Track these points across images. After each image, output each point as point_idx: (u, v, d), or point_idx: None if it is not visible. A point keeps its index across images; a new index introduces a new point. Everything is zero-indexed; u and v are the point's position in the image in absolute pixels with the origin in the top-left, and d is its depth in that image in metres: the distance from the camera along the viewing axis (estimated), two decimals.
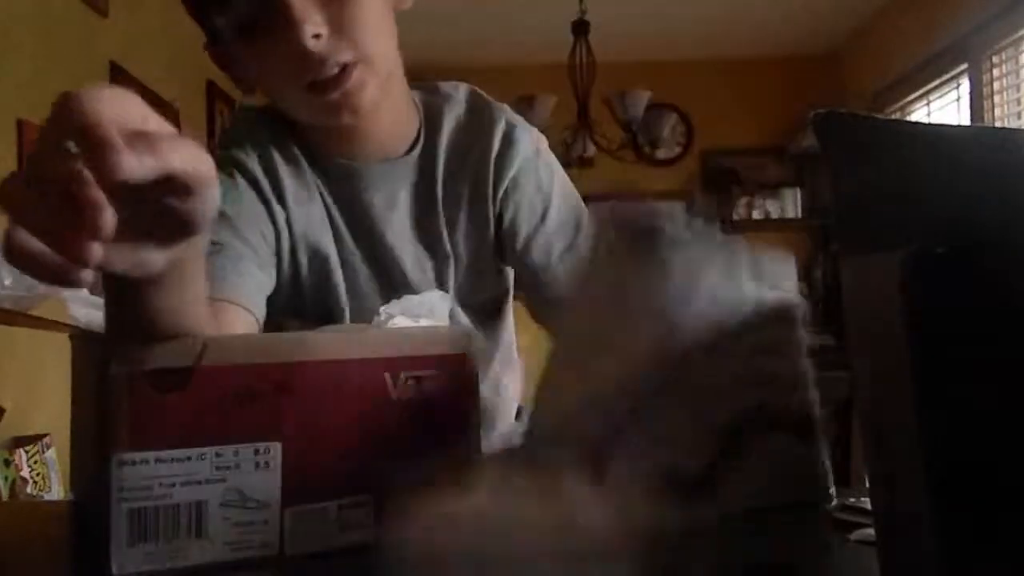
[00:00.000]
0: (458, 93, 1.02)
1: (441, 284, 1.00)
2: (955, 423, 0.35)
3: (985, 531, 0.35)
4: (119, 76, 2.93)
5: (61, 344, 2.45)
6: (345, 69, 0.83)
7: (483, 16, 4.15)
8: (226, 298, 0.84)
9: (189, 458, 0.50)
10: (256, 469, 0.52)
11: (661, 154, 4.85)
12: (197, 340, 0.52)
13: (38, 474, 2.16)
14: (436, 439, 0.58)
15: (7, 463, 2.07)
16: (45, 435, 2.24)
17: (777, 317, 0.53)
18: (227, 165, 0.93)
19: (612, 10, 3.87)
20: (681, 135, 5.00)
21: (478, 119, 1.00)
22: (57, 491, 2.23)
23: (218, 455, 0.51)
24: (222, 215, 0.88)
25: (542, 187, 1.01)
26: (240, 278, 0.87)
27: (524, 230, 1.00)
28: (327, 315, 0.96)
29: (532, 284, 1.03)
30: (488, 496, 0.49)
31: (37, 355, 2.45)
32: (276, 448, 0.53)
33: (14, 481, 2.07)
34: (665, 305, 0.48)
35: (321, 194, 0.96)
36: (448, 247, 1.00)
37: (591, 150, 3.64)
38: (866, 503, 0.56)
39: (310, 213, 0.96)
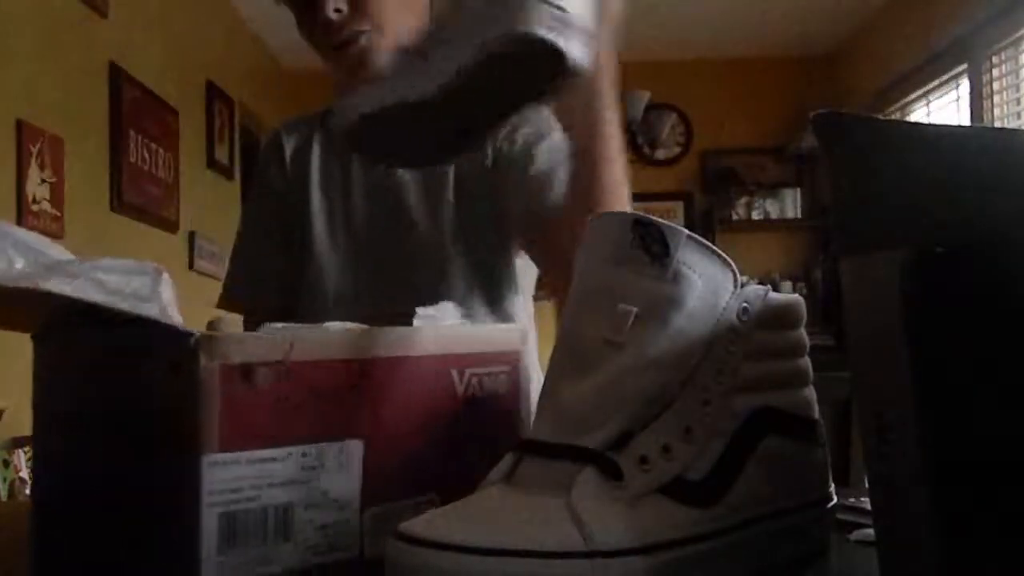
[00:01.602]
0: None
1: (435, 210, 1.11)
2: (955, 424, 0.35)
3: (985, 531, 0.35)
4: (119, 76, 2.93)
5: None
6: (360, 36, 1.04)
7: None
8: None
9: (275, 459, 0.48)
10: (339, 469, 0.51)
11: (661, 154, 4.86)
12: (285, 334, 0.50)
13: None
14: (489, 436, 0.58)
15: (6, 464, 2.06)
16: None
17: (777, 318, 0.53)
18: (268, 146, 1.24)
19: None
20: (681, 135, 5.00)
21: None
22: None
23: (304, 455, 0.49)
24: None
25: (541, 130, 1.08)
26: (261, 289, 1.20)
27: (519, 148, 1.07)
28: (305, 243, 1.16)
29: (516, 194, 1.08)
30: (496, 493, 0.49)
31: None
32: (358, 447, 0.51)
33: (13, 482, 2.07)
34: None
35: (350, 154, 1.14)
36: (450, 188, 1.11)
37: None
38: (866, 503, 0.56)
39: (331, 172, 1.17)
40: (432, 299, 0.97)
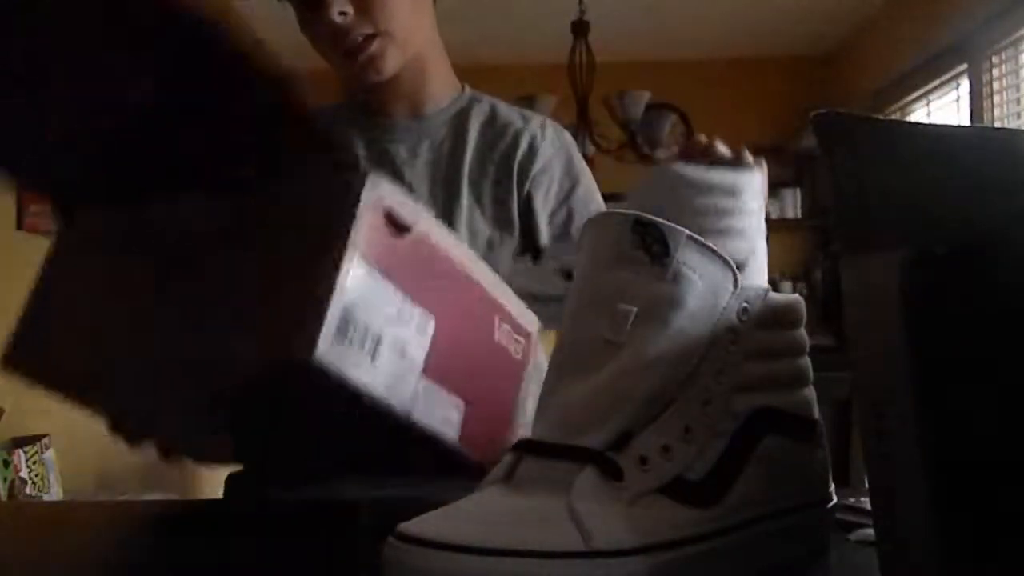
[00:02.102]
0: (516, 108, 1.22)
1: (445, 221, 1.07)
2: (955, 424, 0.35)
3: (985, 532, 0.35)
4: None
5: None
6: (367, 40, 1.04)
7: (483, 16, 4.15)
8: None
9: (388, 293, 0.54)
10: (419, 332, 0.56)
11: (661, 154, 4.85)
12: (430, 218, 0.59)
13: (37, 475, 2.16)
14: (500, 389, 0.64)
15: (6, 464, 2.07)
16: (44, 436, 2.23)
17: (777, 318, 0.53)
18: None
19: (612, 10, 3.87)
20: (681, 135, 5.00)
21: (520, 112, 1.18)
22: (56, 491, 2.23)
23: (405, 304, 0.55)
24: None
25: (571, 172, 1.16)
26: None
27: (553, 201, 1.15)
28: None
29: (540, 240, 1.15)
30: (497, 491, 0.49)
31: None
32: (432, 323, 0.57)
33: (13, 482, 2.07)
34: None
35: (356, 145, 1.14)
36: (464, 195, 1.12)
37: (591, 150, 3.63)
38: (866, 503, 0.56)
39: None
40: None
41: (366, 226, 0.53)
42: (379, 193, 0.54)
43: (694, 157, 0.84)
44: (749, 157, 0.82)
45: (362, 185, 0.53)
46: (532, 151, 1.14)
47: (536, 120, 1.18)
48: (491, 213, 1.13)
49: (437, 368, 0.57)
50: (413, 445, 0.60)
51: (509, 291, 0.65)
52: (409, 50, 1.10)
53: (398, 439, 0.59)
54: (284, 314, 0.51)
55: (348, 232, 0.51)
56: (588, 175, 1.19)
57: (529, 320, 0.66)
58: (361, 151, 1.15)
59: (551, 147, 1.16)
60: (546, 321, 1.00)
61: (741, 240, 0.62)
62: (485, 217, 1.13)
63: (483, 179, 1.13)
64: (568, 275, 0.85)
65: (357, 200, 0.52)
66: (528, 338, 0.66)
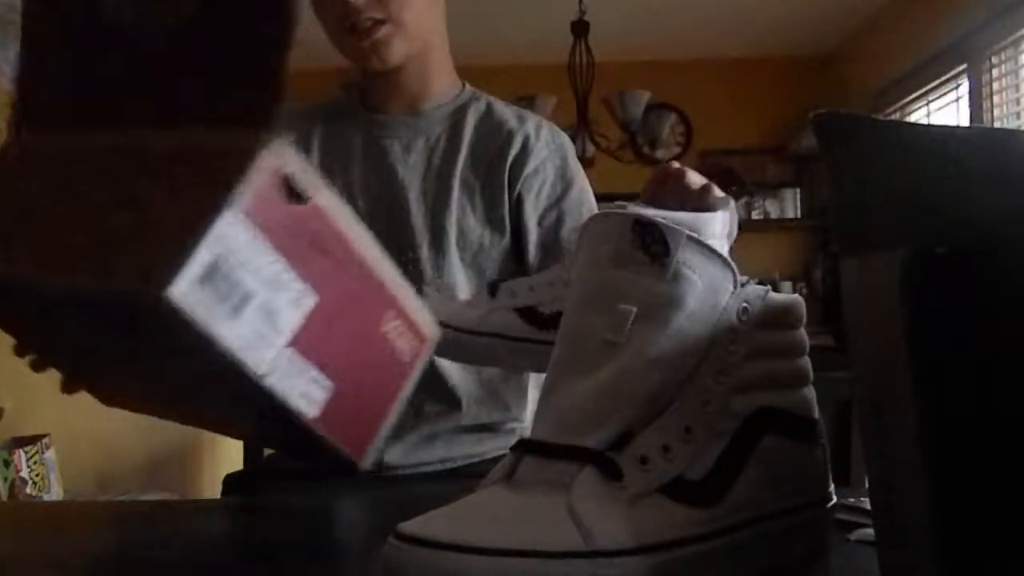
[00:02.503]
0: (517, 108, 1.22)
1: (435, 218, 1.12)
2: (955, 423, 0.35)
3: (985, 532, 0.35)
4: None
5: None
6: (375, 24, 1.05)
7: (483, 16, 4.15)
8: None
9: (266, 254, 0.53)
10: (291, 303, 0.55)
11: (660, 154, 4.85)
12: (329, 193, 0.58)
13: (37, 475, 2.16)
14: (374, 391, 0.64)
15: (6, 464, 2.07)
16: (44, 435, 2.23)
17: (777, 318, 0.53)
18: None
19: (612, 10, 3.87)
20: (680, 135, 4.99)
21: (516, 112, 1.19)
22: (56, 491, 2.23)
23: (282, 272, 0.54)
24: None
25: (565, 175, 1.16)
26: None
27: (544, 202, 1.14)
28: None
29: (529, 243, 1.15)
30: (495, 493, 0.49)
31: None
32: (313, 300, 0.56)
33: (13, 482, 2.07)
34: None
35: (352, 142, 1.16)
36: (455, 193, 1.12)
37: (590, 150, 3.63)
38: (866, 503, 0.56)
39: (334, 152, 1.16)
40: None
41: (258, 186, 0.52)
42: (281, 159, 0.54)
43: (664, 188, 0.85)
44: (717, 193, 0.83)
45: (263, 146, 0.53)
46: (525, 151, 1.13)
47: (532, 120, 1.18)
48: (482, 212, 1.12)
49: (309, 344, 0.56)
50: (267, 414, 0.59)
51: (411, 291, 0.64)
52: (416, 43, 1.10)
53: (251, 403, 0.58)
54: (156, 248, 0.51)
55: (235, 186, 0.51)
56: (583, 178, 1.19)
57: (428, 325, 0.66)
58: (358, 144, 1.16)
59: (545, 148, 1.15)
60: (512, 365, 1.01)
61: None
62: (476, 216, 1.12)
63: (475, 178, 1.13)
64: (524, 312, 0.85)
65: (253, 158, 0.52)
66: (423, 342, 0.65)
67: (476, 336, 0.87)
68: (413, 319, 0.64)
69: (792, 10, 4.24)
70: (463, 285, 1.11)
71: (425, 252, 1.10)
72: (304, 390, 0.57)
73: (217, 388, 0.62)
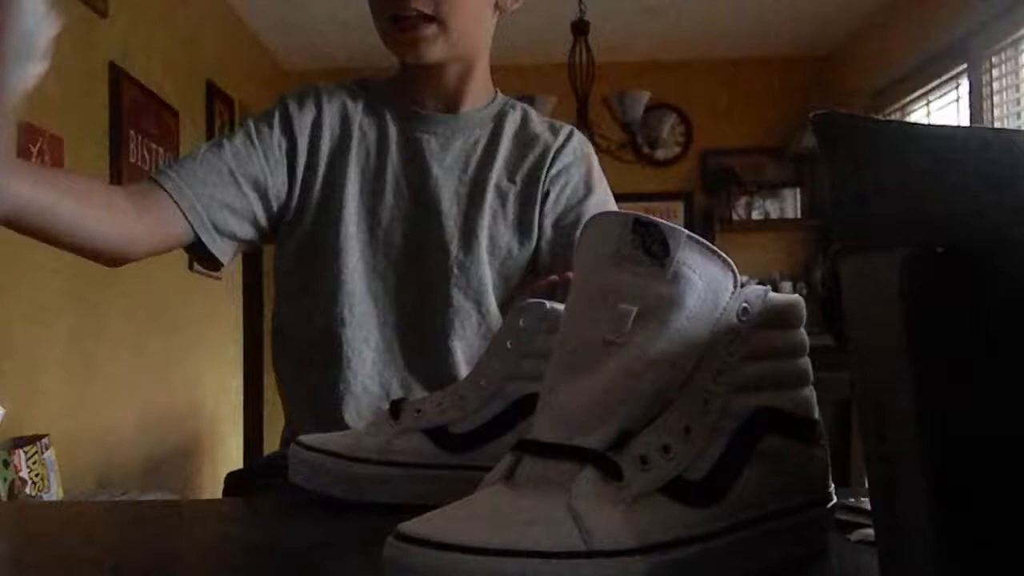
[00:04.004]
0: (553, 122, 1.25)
1: (467, 221, 1.13)
2: (955, 423, 0.35)
3: (985, 532, 0.35)
4: (119, 76, 2.93)
5: (60, 345, 2.45)
6: (422, 19, 1.04)
7: None
8: (169, 191, 1.02)
9: None
10: None
11: (660, 154, 4.85)
12: None
13: (37, 475, 2.16)
14: None
15: (6, 464, 2.07)
16: (44, 435, 2.23)
17: (777, 318, 0.53)
18: (308, 93, 1.16)
19: (612, 10, 3.87)
20: (680, 135, 5.00)
21: (550, 124, 1.22)
22: (56, 491, 2.23)
23: None
24: (246, 128, 1.11)
25: (588, 181, 1.19)
26: (195, 187, 1.04)
27: (564, 204, 1.16)
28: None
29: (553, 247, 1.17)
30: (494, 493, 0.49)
31: (37, 355, 2.45)
32: None
33: (13, 482, 2.07)
34: None
35: (387, 126, 1.15)
36: (488, 198, 1.13)
37: None
38: (866, 503, 0.56)
39: (372, 135, 1.15)
40: (453, 313, 1.10)
41: None
42: None
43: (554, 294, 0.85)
44: None
45: None
46: (556, 158, 1.17)
47: (564, 130, 1.21)
48: (512, 220, 1.14)
49: None
50: None
51: None
52: (459, 49, 1.10)
53: None
54: None
55: None
56: (606, 187, 1.22)
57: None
58: (394, 133, 1.15)
59: (572, 154, 1.18)
60: None
61: None
62: (506, 223, 1.14)
63: (510, 185, 1.15)
64: (433, 434, 0.75)
65: None
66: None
67: (373, 466, 0.75)
68: None
69: (792, 10, 4.24)
70: (489, 291, 1.12)
71: (454, 252, 1.11)
72: None
73: None
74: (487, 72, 1.21)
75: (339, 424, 1.08)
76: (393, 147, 1.15)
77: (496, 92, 1.23)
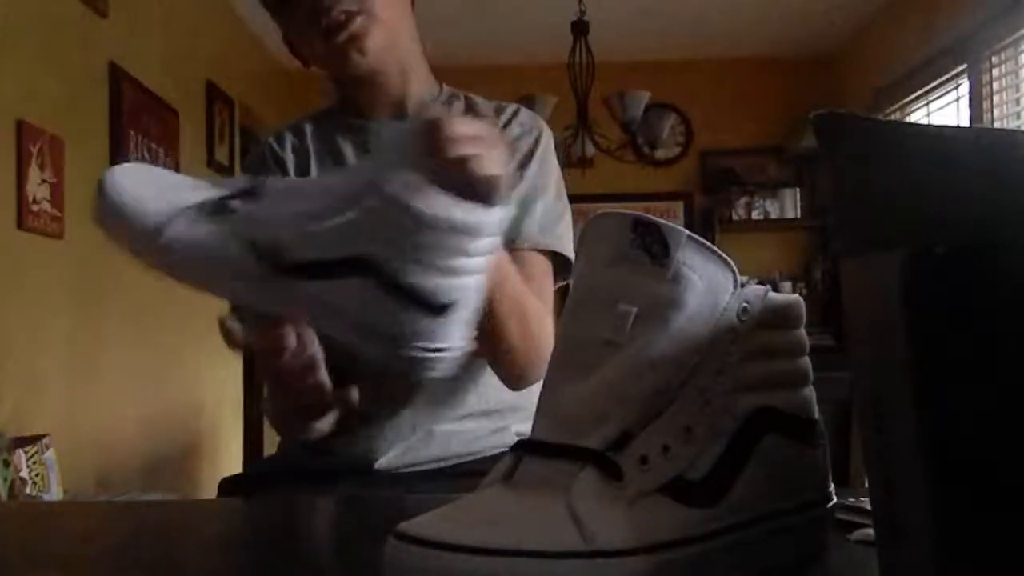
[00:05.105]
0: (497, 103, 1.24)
1: None
2: (955, 423, 0.35)
3: (985, 532, 0.35)
4: (119, 76, 2.93)
5: (60, 345, 2.45)
6: (349, 16, 1.05)
7: (483, 16, 4.15)
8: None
9: None
10: None
11: (660, 154, 4.85)
12: None
13: (37, 474, 2.16)
14: None
15: (6, 464, 2.06)
16: (44, 435, 2.23)
17: (777, 318, 0.53)
18: (262, 152, 1.21)
19: (612, 10, 3.87)
20: (680, 135, 5.00)
21: (494, 105, 1.21)
22: (56, 491, 2.23)
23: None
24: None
25: (532, 152, 1.17)
26: None
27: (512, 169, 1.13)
28: None
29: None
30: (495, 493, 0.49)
31: (37, 355, 2.45)
32: None
33: (13, 482, 2.07)
34: None
35: (341, 149, 1.17)
36: None
37: (591, 150, 3.63)
38: (866, 503, 0.56)
39: (328, 161, 1.18)
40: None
41: None
42: None
43: (451, 159, 0.69)
44: (502, 188, 0.69)
45: None
46: (505, 134, 1.16)
47: (510, 108, 1.21)
48: None
49: None
50: None
51: None
52: (391, 35, 1.11)
53: None
54: None
55: None
56: (551, 163, 1.20)
57: None
58: (349, 151, 1.17)
59: (519, 127, 1.18)
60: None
61: (461, 279, 0.64)
62: None
63: None
64: (263, 252, 0.68)
65: None
66: None
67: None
68: None
69: (792, 10, 4.24)
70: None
71: None
72: None
73: None
74: (425, 65, 1.21)
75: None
76: (351, 162, 1.17)
77: (441, 86, 1.23)
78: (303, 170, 1.17)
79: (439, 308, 0.65)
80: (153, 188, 0.72)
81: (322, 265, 0.66)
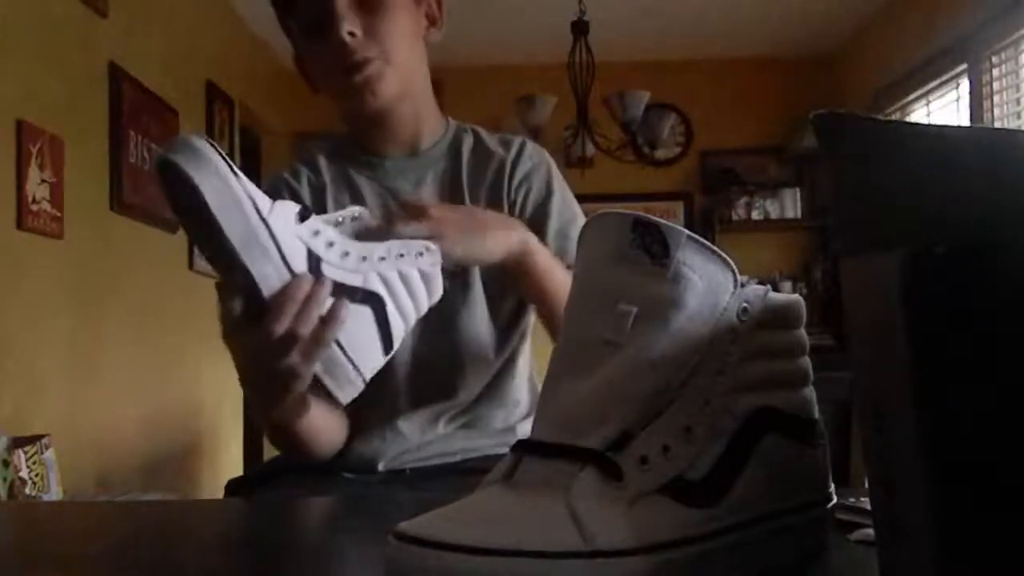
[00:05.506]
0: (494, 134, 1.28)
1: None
2: (955, 423, 0.35)
3: (985, 532, 0.35)
4: (119, 76, 2.93)
5: (60, 344, 2.46)
6: (368, 61, 1.09)
7: (483, 16, 4.15)
8: None
9: None
10: None
11: (660, 154, 4.85)
12: None
13: (37, 475, 2.16)
14: None
15: (6, 464, 2.06)
16: (44, 435, 2.23)
17: (777, 318, 0.53)
18: (279, 182, 1.23)
19: (612, 10, 3.87)
20: (680, 135, 5.00)
21: (500, 139, 1.25)
22: (56, 492, 2.23)
23: None
24: None
25: (549, 184, 1.22)
26: None
27: (531, 207, 1.20)
28: None
29: None
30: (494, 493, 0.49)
31: (37, 355, 2.45)
32: None
33: (13, 482, 2.07)
34: None
35: (358, 185, 1.20)
36: None
37: (591, 150, 3.63)
38: (866, 503, 0.56)
39: (344, 191, 1.20)
40: (458, 339, 1.16)
41: None
42: None
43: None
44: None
45: None
46: (514, 169, 1.20)
47: (517, 142, 1.24)
48: None
49: None
50: None
51: None
52: (406, 81, 1.14)
53: None
54: None
55: None
56: (566, 189, 1.25)
57: None
58: (366, 186, 1.19)
59: (528, 161, 1.21)
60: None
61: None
62: None
63: (477, 204, 1.18)
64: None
65: None
66: None
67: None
68: None
69: (792, 10, 4.24)
70: (485, 318, 1.16)
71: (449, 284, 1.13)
72: None
73: None
74: (435, 104, 1.24)
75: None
76: (369, 198, 1.18)
77: (448, 120, 1.26)
78: (320, 205, 1.18)
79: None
80: None
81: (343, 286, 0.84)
